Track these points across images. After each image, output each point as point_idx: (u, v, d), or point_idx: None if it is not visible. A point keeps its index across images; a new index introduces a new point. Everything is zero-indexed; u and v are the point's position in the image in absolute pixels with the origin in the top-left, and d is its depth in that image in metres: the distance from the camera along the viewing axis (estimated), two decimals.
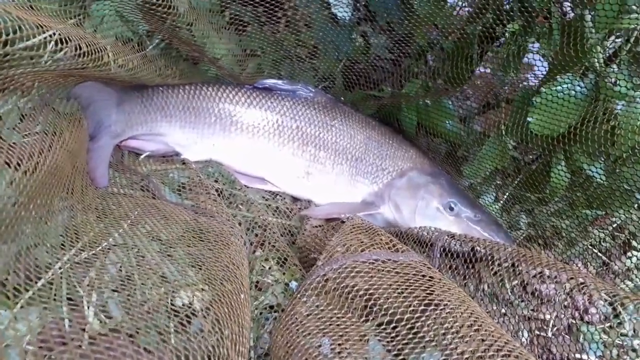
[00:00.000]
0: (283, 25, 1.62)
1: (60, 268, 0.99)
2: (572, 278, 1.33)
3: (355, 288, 0.99)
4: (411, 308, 0.94)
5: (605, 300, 1.32)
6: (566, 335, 1.27)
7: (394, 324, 0.95)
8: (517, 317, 1.27)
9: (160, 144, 1.46)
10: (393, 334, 0.92)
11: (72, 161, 1.24)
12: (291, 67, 1.67)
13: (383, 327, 0.95)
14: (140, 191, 1.33)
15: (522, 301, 1.31)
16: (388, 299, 0.98)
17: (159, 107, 1.43)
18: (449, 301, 0.97)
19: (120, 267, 1.04)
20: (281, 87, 1.52)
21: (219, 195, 1.41)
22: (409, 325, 0.91)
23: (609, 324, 1.28)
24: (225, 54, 1.46)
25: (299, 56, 1.67)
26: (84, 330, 0.88)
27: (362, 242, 1.16)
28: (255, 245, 1.32)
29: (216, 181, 1.48)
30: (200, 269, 1.09)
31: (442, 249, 1.33)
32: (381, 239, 1.18)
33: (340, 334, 0.92)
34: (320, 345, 0.90)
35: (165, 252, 1.13)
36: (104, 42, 1.16)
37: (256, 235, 1.35)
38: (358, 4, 1.51)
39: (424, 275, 1.05)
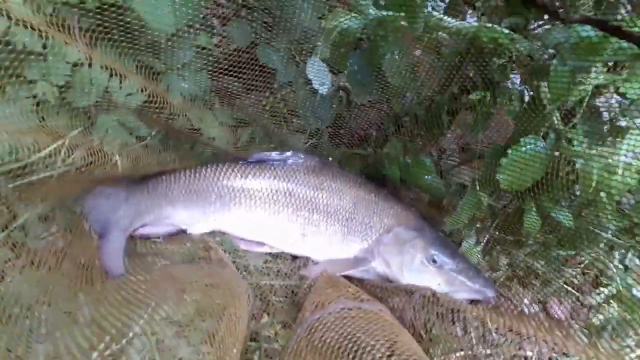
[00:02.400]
0: (270, 97, 1.76)
1: None
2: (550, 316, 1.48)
3: (324, 339, 1.11)
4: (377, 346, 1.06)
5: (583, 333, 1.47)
6: None
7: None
8: (502, 356, 1.41)
9: (168, 226, 1.59)
10: None
11: (89, 254, 1.37)
12: (280, 131, 1.80)
13: None
14: (156, 268, 1.45)
15: (505, 340, 1.44)
16: (354, 340, 1.09)
17: (163, 194, 1.56)
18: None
19: (144, 355, 1.17)
20: (272, 158, 1.65)
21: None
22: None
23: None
24: (218, 134, 1.59)
25: (286, 120, 1.81)
26: None
27: (329, 295, 1.29)
28: (261, 312, 1.44)
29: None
30: (212, 344, 1.22)
31: (428, 297, 1.47)
32: (348, 290, 1.32)
33: None
34: None
35: (182, 333, 1.26)
36: (108, 148, 1.29)
37: (261, 300, 1.47)
38: (335, 78, 1.65)
39: (385, 320, 1.18)
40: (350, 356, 1.06)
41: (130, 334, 1.20)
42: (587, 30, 1.17)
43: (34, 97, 1.20)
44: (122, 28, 1.24)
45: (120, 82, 1.29)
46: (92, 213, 1.40)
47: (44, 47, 1.15)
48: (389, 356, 1.05)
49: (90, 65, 1.23)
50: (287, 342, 1.26)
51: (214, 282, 1.27)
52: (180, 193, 1.57)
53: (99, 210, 1.43)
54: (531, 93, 1.40)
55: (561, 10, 1.21)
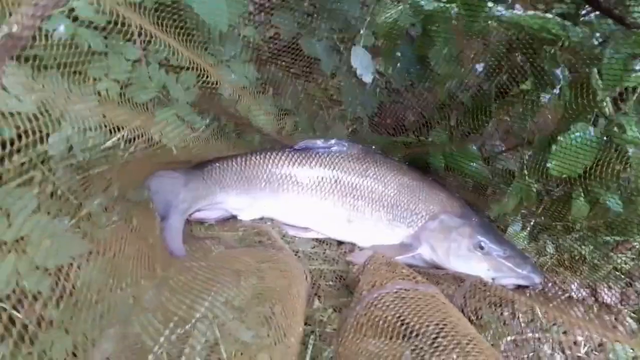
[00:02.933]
0: (313, 85, 1.78)
1: (159, 347, 1.18)
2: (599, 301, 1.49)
3: (384, 316, 1.15)
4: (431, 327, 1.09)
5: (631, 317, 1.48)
6: (597, 353, 1.42)
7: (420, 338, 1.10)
8: (551, 340, 1.43)
9: (221, 211, 1.65)
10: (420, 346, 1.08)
11: (145, 243, 1.43)
12: (323, 119, 1.83)
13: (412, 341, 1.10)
14: (214, 253, 1.51)
15: (554, 324, 1.46)
16: (412, 320, 1.13)
17: (217, 181, 1.63)
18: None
19: (206, 339, 1.23)
20: (318, 146, 1.69)
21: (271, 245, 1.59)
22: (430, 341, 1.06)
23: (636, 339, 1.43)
24: (264, 122, 1.63)
25: (328, 107, 1.84)
26: None
27: (385, 275, 1.33)
28: (312, 296, 1.49)
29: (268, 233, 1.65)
30: (270, 325, 1.27)
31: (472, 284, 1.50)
32: (402, 271, 1.35)
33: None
34: None
35: (240, 318, 1.32)
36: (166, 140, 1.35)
37: (312, 286, 1.52)
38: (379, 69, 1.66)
39: (442, 302, 1.21)
40: (406, 337, 1.10)
41: (193, 319, 1.27)
42: None
43: (98, 94, 1.25)
44: (178, 25, 1.28)
45: (177, 77, 1.34)
46: (155, 196, 1.47)
47: (106, 46, 1.20)
48: (442, 336, 1.08)
49: (148, 63, 1.27)
50: (343, 321, 1.32)
51: (273, 265, 1.32)
52: (232, 180, 1.63)
53: (161, 193, 1.51)
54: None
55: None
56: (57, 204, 1.13)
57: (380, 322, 1.13)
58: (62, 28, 1.15)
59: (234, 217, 1.68)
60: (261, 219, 1.69)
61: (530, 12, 1.25)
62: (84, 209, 1.36)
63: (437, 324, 1.10)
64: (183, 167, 1.61)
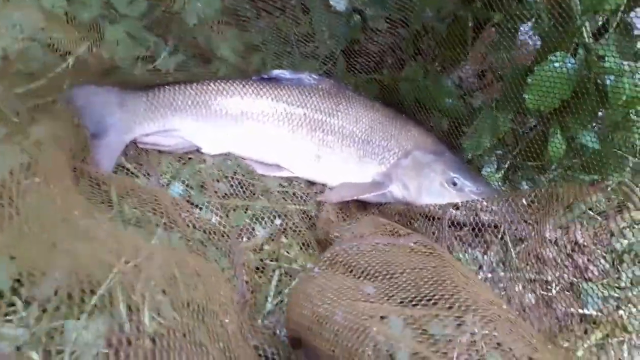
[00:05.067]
0: (281, 17, 1.68)
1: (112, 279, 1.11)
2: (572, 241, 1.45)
3: (359, 261, 1.12)
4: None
5: (604, 258, 1.45)
6: (568, 293, 1.40)
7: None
8: (523, 280, 1.39)
9: (177, 139, 1.55)
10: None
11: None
12: (292, 57, 1.74)
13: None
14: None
15: (526, 265, 1.43)
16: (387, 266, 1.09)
17: (167, 103, 1.52)
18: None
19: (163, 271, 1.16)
20: (286, 77, 1.61)
21: (239, 185, 1.52)
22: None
23: (607, 280, 1.40)
24: (230, 54, 1.53)
25: (299, 44, 1.74)
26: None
27: (370, 231, 1.29)
28: (278, 232, 1.43)
29: (235, 173, 1.57)
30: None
31: (449, 221, 1.45)
32: (385, 228, 1.31)
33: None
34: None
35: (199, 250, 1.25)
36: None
37: (279, 223, 1.46)
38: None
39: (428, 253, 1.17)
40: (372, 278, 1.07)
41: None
42: None
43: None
44: None
45: None
46: (83, 110, 1.37)
47: None
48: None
49: None
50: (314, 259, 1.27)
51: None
52: (187, 104, 1.53)
53: (90, 108, 1.41)
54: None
55: None
56: None
57: (354, 264, 1.10)
58: None
59: (197, 150, 1.58)
60: (227, 154, 1.60)
61: None
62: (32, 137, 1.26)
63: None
64: (117, 87, 1.49)
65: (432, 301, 0.90)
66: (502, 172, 1.62)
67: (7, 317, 0.97)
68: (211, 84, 1.56)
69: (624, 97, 1.26)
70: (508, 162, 1.61)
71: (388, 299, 0.94)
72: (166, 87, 1.53)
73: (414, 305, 0.90)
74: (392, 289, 0.98)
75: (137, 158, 1.54)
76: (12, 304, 0.98)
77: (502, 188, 1.59)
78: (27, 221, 1.12)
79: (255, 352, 1.09)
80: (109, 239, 1.19)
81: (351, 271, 1.10)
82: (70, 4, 1.15)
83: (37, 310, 0.99)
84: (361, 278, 1.08)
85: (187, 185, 1.47)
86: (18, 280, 1.01)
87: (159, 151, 1.55)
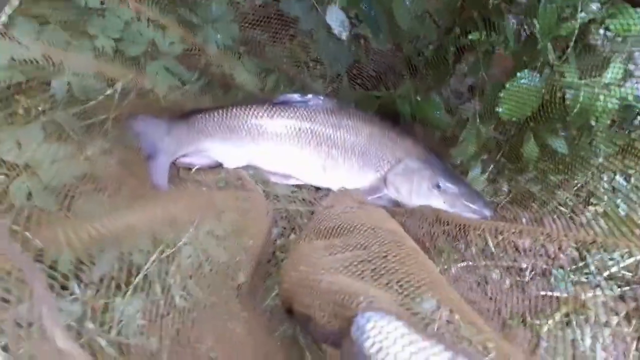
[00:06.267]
0: (293, 44, 1.95)
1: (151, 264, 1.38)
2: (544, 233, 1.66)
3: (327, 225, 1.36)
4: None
5: (573, 247, 1.65)
6: (540, 278, 1.60)
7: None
8: (500, 267, 1.60)
9: (206, 158, 1.84)
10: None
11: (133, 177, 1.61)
12: (303, 77, 2.00)
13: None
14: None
15: (504, 253, 1.64)
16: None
17: (200, 129, 1.81)
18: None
19: (192, 260, 1.42)
20: (296, 100, 1.87)
21: None
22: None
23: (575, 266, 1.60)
24: (248, 80, 1.81)
25: (308, 66, 2.01)
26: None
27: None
28: (288, 230, 1.69)
29: (254, 181, 1.85)
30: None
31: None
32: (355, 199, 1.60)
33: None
34: None
35: (221, 245, 1.51)
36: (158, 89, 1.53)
37: (289, 221, 1.72)
38: (353, 21, 1.82)
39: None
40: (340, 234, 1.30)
41: (180, 244, 1.46)
42: None
43: (96, 50, 1.43)
44: None
45: (164, 34, 1.52)
46: (140, 137, 1.68)
47: (102, 2, 1.38)
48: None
49: (139, 19, 1.45)
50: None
51: (242, 204, 1.52)
52: (215, 129, 1.82)
53: (145, 135, 1.71)
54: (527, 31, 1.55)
55: None
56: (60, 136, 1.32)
57: (323, 229, 1.32)
58: None
59: (220, 165, 1.86)
60: (246, 166, 1.87)
61: None
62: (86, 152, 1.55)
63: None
64: (166, 117, 1.79)
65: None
66: (487, 174, 1.84)
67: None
68: (233, 110, 1.84)
69: (579, 105, 1.47)
70: (492, 166, 1.84)
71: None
72: (198, 115, 1.83)
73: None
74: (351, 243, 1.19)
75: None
76: (65, 287, 1.19)
77: (486, 189, 1.82)
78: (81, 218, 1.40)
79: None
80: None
81: (325, 235, 1.32)
82: (119, 42, 1.44)
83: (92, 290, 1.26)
84: (330, 238, 1.31)
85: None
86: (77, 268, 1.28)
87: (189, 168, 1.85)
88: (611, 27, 1.40)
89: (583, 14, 1.44)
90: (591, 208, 1.63)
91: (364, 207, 1.43)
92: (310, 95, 1.87)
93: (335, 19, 1.74)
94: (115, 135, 1.58)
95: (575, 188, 1.66)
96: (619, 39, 1.47)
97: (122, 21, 1.46)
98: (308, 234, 1.37)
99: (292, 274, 1.18)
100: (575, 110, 1.50)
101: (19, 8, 1.24)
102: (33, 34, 1.28)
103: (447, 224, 1.67)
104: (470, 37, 1.55)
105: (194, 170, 1.83)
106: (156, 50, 1.51)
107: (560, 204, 1.68)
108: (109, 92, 1.44)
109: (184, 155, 1.83)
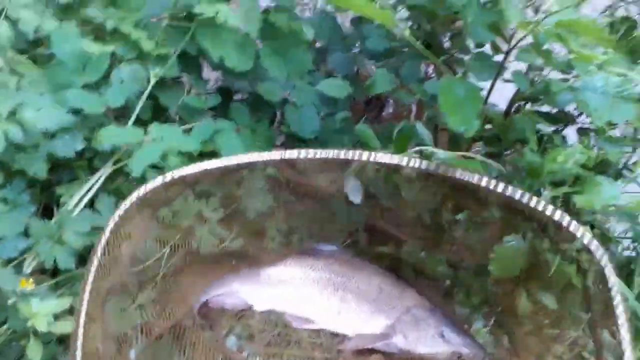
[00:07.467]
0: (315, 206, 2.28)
1: None
2: None
3: None
4: None
5: None
6: None
7: None
8: None
9: (237, 298, 2.09)
10: None
11: None
12: (324, 232, 2.31)
13: None
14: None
15: None
16: None
17: (233, 273, 2.12)
18: None
19: None
20: (315, 249, 2.17)
21: (278, 336, 2.04)
22: None
23: None
24: (276, 234, 2.12)
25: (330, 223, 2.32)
26: None
27: None
28: None
29: (276, 325, 2.08)
30: None
31: None
32: None
33: None
34: None
35: None
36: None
37: None
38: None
39: None
40: None
41: None
42: None
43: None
44: None
45: (207, 202, 1.88)
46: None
47: None
48: None
49: None
50: None
51: None
52: (245, 273, 2.12)
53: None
54: None
55: None
56: None
57: None
58: None
59: (250, 307, 2.11)
60: (271, 310, 2.11)
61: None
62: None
63: None
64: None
65: None
66: (488, 328, 2.02)
67: None
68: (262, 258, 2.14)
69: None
70: (493, 318, 2.02)
71: None
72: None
73: None
74: None
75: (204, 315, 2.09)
76: None
77: (488, 339, 1.98)
78: None
79: None
80: None
81: None
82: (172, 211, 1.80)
83: None
84: None
85: (239, 337, 2.01)
86: None
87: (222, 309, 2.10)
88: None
89: None
90: None
91: None
92: (327, 246, 2.18)
93: (352, 187, 2.08)
94: None
95: (569, 343, 1.81)
96: None
97: None
98: None
99: None
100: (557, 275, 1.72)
101: None
102: None
103: None
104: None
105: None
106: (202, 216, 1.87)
107: (555, 356, 1.81)
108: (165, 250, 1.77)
109: (215, 296, 2.08)
